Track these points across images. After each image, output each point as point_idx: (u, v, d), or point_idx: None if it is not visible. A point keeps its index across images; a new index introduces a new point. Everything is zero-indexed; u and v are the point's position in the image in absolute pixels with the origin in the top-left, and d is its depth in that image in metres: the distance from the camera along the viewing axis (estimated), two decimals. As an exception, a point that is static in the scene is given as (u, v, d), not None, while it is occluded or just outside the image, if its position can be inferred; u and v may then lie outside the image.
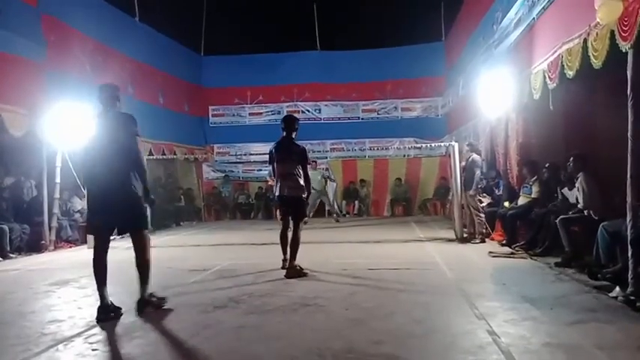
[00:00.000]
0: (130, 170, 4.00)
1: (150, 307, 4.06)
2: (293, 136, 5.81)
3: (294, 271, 5.44)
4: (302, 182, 5.68)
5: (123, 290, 5.06)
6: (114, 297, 4.74)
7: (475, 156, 8.09)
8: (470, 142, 8.54)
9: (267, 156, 6.03)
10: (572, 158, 5.82)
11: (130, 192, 3.99)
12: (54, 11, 9.14)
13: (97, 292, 4.02)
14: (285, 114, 15.44)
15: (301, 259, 5.64)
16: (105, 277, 4.03)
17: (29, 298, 4.81)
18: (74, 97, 8.07)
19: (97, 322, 3.79)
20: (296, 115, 15.56)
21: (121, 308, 4.05)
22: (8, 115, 7.75)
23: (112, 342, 3.38)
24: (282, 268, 5.60)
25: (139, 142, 4.08)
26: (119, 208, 3.96)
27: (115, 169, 3.95)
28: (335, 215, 12.66)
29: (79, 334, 3.55)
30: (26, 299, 4.77)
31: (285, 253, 5.68)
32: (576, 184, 5.71)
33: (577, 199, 5.78)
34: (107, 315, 3.90)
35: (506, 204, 7.53)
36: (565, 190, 6.21)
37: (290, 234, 5.69)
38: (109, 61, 10.77)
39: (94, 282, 4.04)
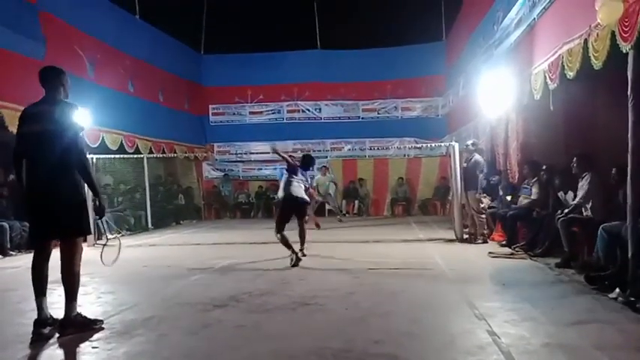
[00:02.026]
0: (65, 168, 3.49)
1: (74, 329, 3.50)
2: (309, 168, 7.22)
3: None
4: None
5: (124, 289, 5.08)
6: (116, 295, 4.77)
7: (478, 157, 8.07)
8: (474, 141, 8.50)
9: (288, 166, 6.93)
10: (575, 158, 5.78)
11: (63, 193, 3.49)
12: (52, 8, 9.13)
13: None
14: (286, 113, 15.74)
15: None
16: (45, 288, 3.57)
17: (29, 296, 4.77)
18: (73, 95, 8.05)
19: (31, 341, 3.35)
20: (296, 114, 15.80)
21: (58, 320, 3.57)
22: (8, 112, 7.75)
23: (112, 340, 3.38)
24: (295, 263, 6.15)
25: (82, 138, 3.61)
26: (52, 212, 3.49)
27: (49, 166, 3.47)
28: (339, 216, 12.67)
29: (79, 332, 3.54)
30: (26, 297, 4.75)
31: (291, 247, 6.30)
32: (581, 183, 5.68)
33: (576, 197, 5.78)
34: (43, 329, 3.46)
35: (509, 197, 7.43)
36: (561, 194, 6.23)
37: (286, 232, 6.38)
38: (109, 58, 10.78)
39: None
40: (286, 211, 6.60)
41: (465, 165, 8.19)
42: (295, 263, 6.05)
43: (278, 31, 15.09)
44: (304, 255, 6.47)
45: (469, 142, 8.40)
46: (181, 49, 14.79)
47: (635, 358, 2.89)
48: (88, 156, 4.55)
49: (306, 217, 7.06)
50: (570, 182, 6.06)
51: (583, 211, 5.64)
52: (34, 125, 3.56)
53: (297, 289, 4.81)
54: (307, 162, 7.16)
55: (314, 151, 15.64)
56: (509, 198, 7.46)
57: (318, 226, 10.39)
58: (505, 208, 7.55)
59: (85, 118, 7.94)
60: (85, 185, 3.66)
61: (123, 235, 10.05)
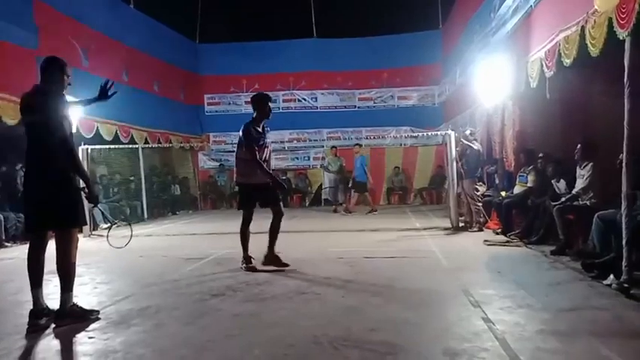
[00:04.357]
0: (56, 157, 3.47)
1: (70, 319, 3.51)
2: (262, 119, 5.47)
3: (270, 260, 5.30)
4: (252, 167, 5.22)
5: (120, 279, 5.08)
6: (112, 285, 4.77)
7: (476, 146, 8.07)
8: (472, 130, 8.50)
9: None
10: (579, 146, 5.68)
11: (57, 183, 3.48)
12: (46, -3, 9.03)
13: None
14: (281, 102, 15.67)
15: (297, 248, 5.62)
16: (41, 279, 3.57)
17: (25, 287, 4.76)
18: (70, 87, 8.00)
19: (27, 331, 3.36)
20: (292, 103, 15.76)
21: (53, 311, 3.56)
22: (1, 103, 7.69)
23: (108, 330, 3.38)
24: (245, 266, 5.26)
25: (67, 126, 3.55)
26: (47, 202, 3.48)
27: (42, 156, 3.48)
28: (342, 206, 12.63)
29: (75, 323, 3.53)
30: (22, 288, 4.74)
31: (246, 250, 5.37)
32: (581, 171, 5.68)
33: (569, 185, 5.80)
34: (39, 319, 3.46)
35: (503, 193, 7.55)
36: (554, 182, 6.26)
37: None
38: (103, 48, 10.67)
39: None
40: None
41: (459, 149, 8.19)
42: (246, 266, 5.21)
43: (274, 20, 14.98)
44: (268, 261, 5.27)
45: (467, 132, 8.39)
46: (176, 38, 14.66)
47: (629, 343, 2.91)
48: (83, 147, 4.50)
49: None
50: (564, 171, 6.08)
51: (579, 200, 5.66)
52: (28, 115, 3.58)
53: (294, 278, 4.82)
54: (255, 108, 5.40)
55: (310, 140, 15.63)
56: (503, 194, 7.51)
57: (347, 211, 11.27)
58: (498, 198, 7.59)
59: (79, 109, 7.90)
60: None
61: (119, 226, 10.03)
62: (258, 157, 5.21)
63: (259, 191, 5.29)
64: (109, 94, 4.00)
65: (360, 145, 12.41)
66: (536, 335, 3.01)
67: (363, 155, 11.92)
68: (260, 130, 5.39)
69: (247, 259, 5.31)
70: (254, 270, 5.13)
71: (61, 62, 3.75)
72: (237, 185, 5.58)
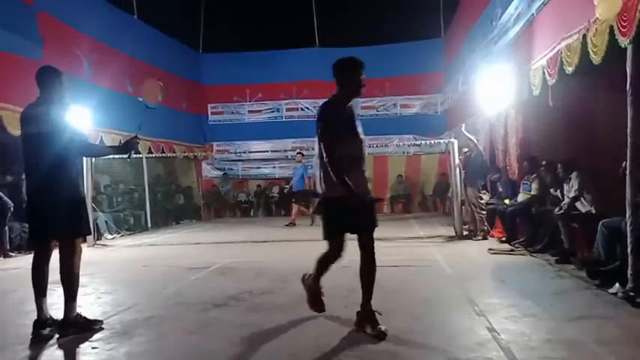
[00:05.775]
0: (63, 169, 3.49)
1: (74, 329, 3.50)
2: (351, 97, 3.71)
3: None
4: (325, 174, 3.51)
5: (124, 289, 5.08)
6: (115, 295, 4.77)
7: (479, 150, 8.09)
8: (465, 125, 8.57)
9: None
10: (559, 165, 6.03)
11: (61, 194, 3.48)
12: (50, 9, 9.10)
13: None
14: (284, 111, 15.73)
15: (300, 257, 5.60)
16: (45, 289, 3.57)
17: (29, 297, 4.77)
18: (71, 96, 8.05)
19: (31, 341, 3.37)
20: (295, 112, 15.80)
21: (57, 321, 3.55)
22: (6, 113, 7.75)
23: (112, 340, 3.37)
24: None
25: (73, 133, 3.59)
26: (51, 213, 3.47)
27: (46, 168, 3.46)
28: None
29: (78, 333, 3.53)
30: (26, 298, 4.74)
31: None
32: (570, 183, 5.75)
33: (567, 193, 5.83)
34: (43, 329, 3.46)
35: (507, 201, 7.54)
36: (552, 191, 6.28)
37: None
38: (107, 59, 10.75)
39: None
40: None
41: (462, 156, 8.20)
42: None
43: (276, 30, 15.07)
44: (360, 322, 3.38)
45: (462, 127, 8.46)
46: (180, 48, 14.76)
47: (636, 352, 2.88)
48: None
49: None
50: (563, 178, 6.12)
51: (581, 207, 5.65)
52: (31, 127, 3.58)
53: (298, 287, 4.76)
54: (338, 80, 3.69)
55: (313, 149, 15.64)
56: (507, 202, 7.52)
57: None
58: (502, 206, 7.58)
59: (83, 119, 7.95)
60: (84, 185, 3.67)
61: (122, 235, 10.04)
62: (339, 152, 3.51)
63: (352, 210, 3.40)
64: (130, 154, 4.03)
65: (302, 155, 12.02)
66: (542, 345, 2.98)
67: (305, 165, 11.43)
68: (346, 111, 3.62)
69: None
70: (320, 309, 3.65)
71: (57, 71, 3.75)
72: (324, 202, 3.56)
